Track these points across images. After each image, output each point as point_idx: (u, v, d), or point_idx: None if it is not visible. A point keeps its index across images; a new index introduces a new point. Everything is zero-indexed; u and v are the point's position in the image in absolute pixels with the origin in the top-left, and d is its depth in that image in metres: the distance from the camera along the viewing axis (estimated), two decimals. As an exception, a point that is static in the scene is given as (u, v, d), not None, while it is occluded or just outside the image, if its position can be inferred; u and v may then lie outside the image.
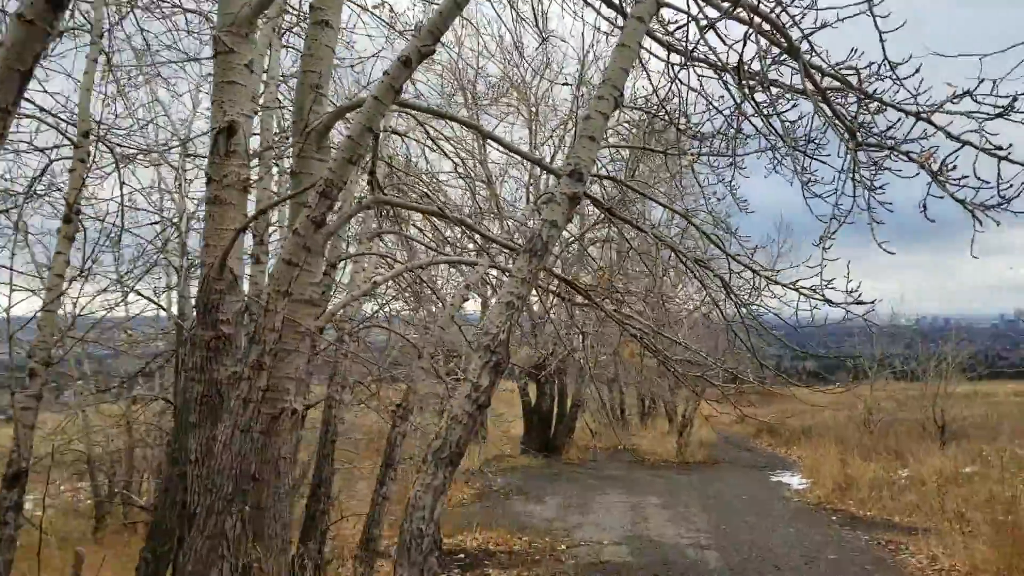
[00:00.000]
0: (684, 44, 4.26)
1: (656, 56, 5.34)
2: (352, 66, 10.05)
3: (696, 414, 22.68)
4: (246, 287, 6.34)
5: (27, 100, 7.38)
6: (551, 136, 17.30)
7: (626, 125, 9.28)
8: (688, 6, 4.48)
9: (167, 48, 9.15)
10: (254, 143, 8.36)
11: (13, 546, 6.00)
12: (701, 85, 5.43)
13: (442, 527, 11.30)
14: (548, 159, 16.95)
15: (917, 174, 4.71)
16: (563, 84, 6.18)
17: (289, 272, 4.14)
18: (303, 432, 7.68)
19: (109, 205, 11.99)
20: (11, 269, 6.49)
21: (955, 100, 4.33)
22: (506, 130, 19.17)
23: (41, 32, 2.40)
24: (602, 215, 6.76)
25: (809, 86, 3.87)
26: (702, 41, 4.06)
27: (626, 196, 12.60)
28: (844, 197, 4.72)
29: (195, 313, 5.03)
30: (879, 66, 4.40)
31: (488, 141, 9.36)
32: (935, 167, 3.91)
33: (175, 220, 9.03)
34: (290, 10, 8.41)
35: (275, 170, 8.52)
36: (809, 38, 3.85)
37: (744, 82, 3.96)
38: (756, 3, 4.12)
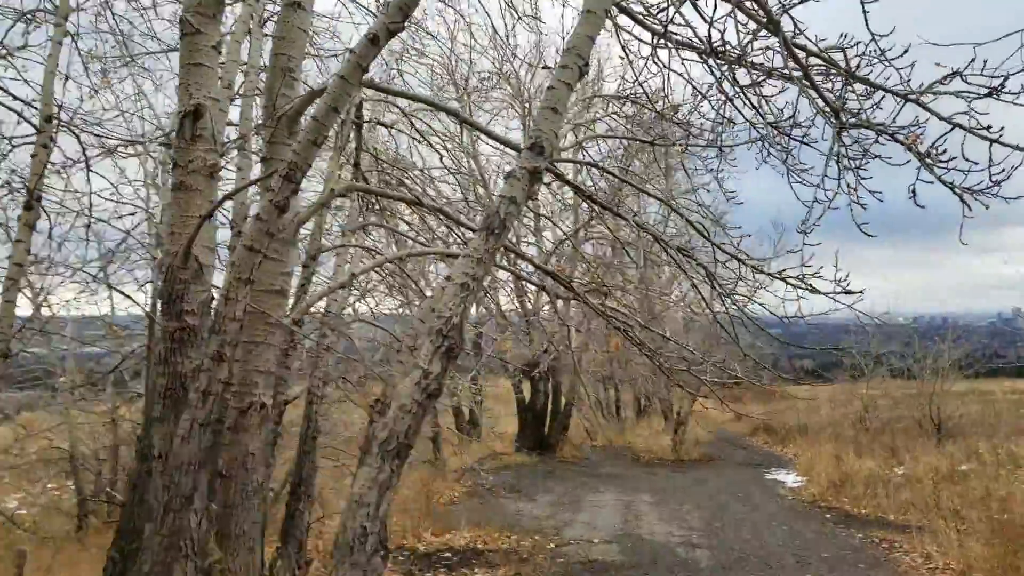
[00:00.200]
0: (664, 25, 4.09)
1: (642, 40, 5.17)
2: (337, 56, 9.90)
3: (692, 412, 22.55)
4: (220, 279, 6.19)
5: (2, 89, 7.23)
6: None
7: (615, 116, 9.11)
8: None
9: (151, 39, 9.02)
10: (233, 132, 8.24)
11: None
12: (687, 71, 5.29)
13: (430, 526, 11.15)
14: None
15: (907, 161, 4.56)
16: (543, 67, 6.00)
17: (251, 259, 3.97)
18: (279, 429, 7.52)
19: (93, 198, 11.85)
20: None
21: (945, 81, 4.18)
22: (500, 125, 19.03)
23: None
24: (595, 211, 6.60)
25: (792, 65, 3.70)
26: (684, 23, 3.88)
27: (620, 191, 12.47)
28: (831, 183, 4.59)
29: (159, 304, 4.86)
30: (866, 46, 4.25)
31: (470, 129, 9.18)
32: (922, 149, 3.74)
33: (152, 211, 8.86)
34: (269, -5, 8.24)
35: (255, 159, 8.35)
36: (791, 14, 3.68)
37: (720, 60, 3.80)
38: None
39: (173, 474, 3.95)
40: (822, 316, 4.95)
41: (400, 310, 11.02)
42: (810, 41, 4.22)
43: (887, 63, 4.23)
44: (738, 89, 4.29)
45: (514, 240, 19.27)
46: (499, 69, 17.14)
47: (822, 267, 4.95)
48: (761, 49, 4.77)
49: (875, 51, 4.25)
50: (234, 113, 7.90)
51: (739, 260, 5.14)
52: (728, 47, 3.92)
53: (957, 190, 3.91)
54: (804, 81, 3.85)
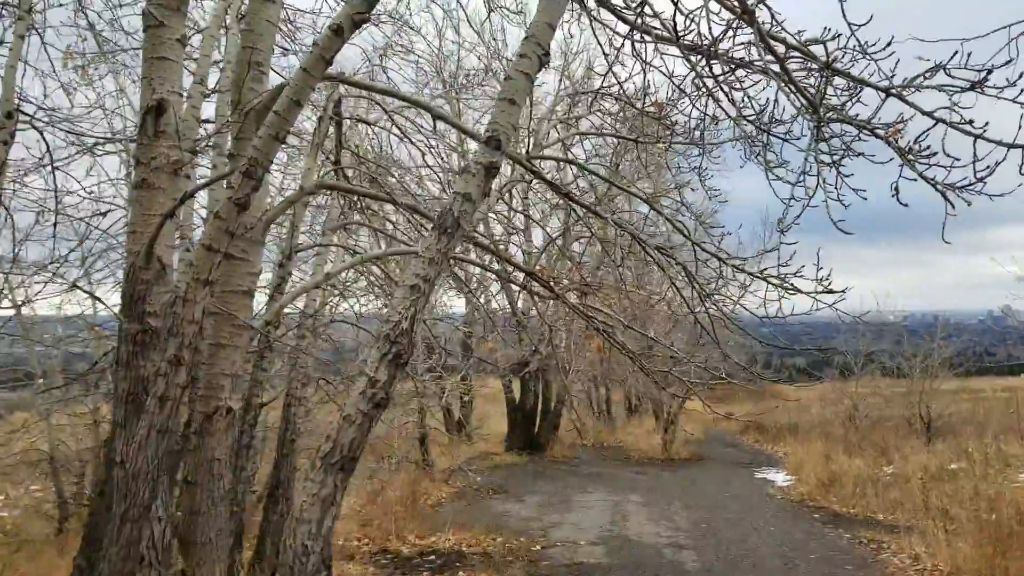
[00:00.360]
0: (636, 14, 3.96)
1: (616, 32, 5.04)
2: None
3: (682, 411, 22.46)
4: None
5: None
6: (534, 129, 16.98)
7: (599, 113, 8.98)
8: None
9: (131, 35, 8.86)
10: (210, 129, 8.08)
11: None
12: (667, 66, 5.16)
13: (415, 528, 11.01)
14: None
15: (891, 159, 4.44)
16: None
17: (210, 258, 3.82)
18: (256, 432, 7.38)
19: (72, 196, 11.70)
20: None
21: (928, 75, 4.06)
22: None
23: None
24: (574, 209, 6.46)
25: (768, 58, 3.58)
26: (654, 14, 3.75)
27: (609, 190, 12.34)
28: (813, 180, 4.47)
29: (121, 305, 4.71)
30: (847, 40, 4.13)
31: (451, 126, 9.01)
32: (904, 144, 3.62)
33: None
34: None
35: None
36: (767, 4, 3.56)
37: (695, 53, 3.67)
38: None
39: (129, 483, 3.80)
40: (805, 315, 4.83)
41: (384, 311, 10.89)
42: (789, 34, 4.10)
43: (869, 57, 4.12)
44: (717, 83, 4.17)
45: (503, 240, 19.15)
46: (487, 65, 17.02)
47: (803, 266, 4.85)
48: (742, 44, 4.66)
49: (857, 46, 4.14)
50: (210, 110, 7.77)
51: (720, 259, 5.02)
52: (703, 39, 3.80)
53: (939, 187, 3.79)
54: (781, 75, 3.73)
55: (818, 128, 3.71)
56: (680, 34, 3.58)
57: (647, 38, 4.43)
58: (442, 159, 14.71)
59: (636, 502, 14.27)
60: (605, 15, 4.87)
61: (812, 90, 4.22)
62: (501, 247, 18.11)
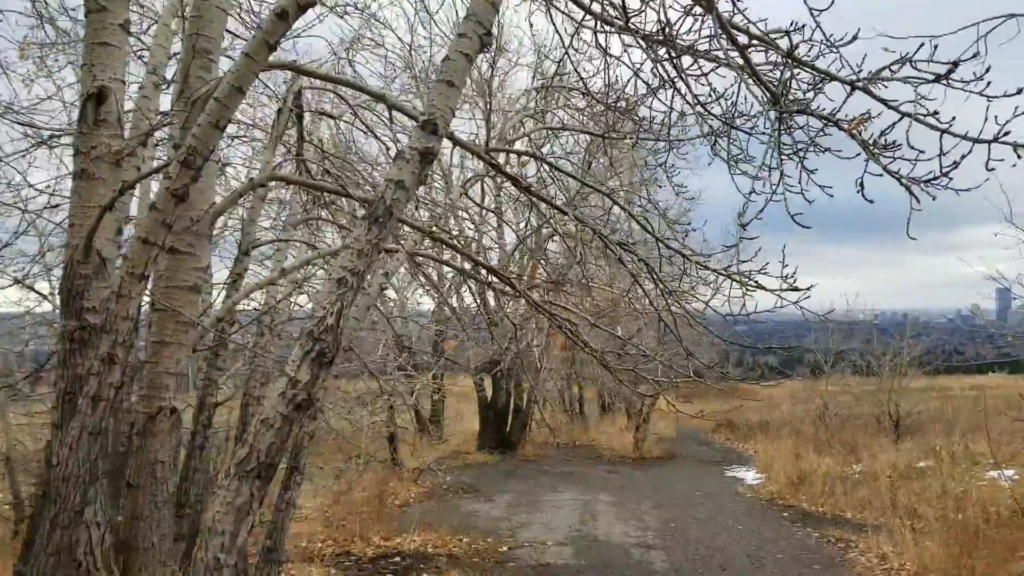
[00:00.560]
0: (592, 1, 3.83)
1: (570, 16, 4.90)
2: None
3: (654, 409, 22.42)
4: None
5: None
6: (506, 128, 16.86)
7: (566, 109, 8.85)
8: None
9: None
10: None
11: None
12: (640, 67, 5.03)
13: (380, 529, 10.82)
14: (502, 158, 16.49)
15: (857, 154, 4.35)
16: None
17: (146, 252, 3.64)
18: (209, 432, 7.16)
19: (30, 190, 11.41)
20: None
21: (894, 68, 3.96)
22: (464, 122, 18.73)
23: None
24: (532, 202, 6.32)
25: (729, 47, 3.46)
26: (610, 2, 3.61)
27: (581, 188, 12.20)
28: (782, 177, 4.37)
29: (58, 301, 4.51)
30: (812, 32, 4.03)
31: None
32: (867, 136, 3.51)
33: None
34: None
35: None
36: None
37: (652, 42, 3.54)
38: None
39: (60, 487, 3.61)
40: (769, 312, 4.73)
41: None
42: (752, 23, 3.98)
43: (835, 49, 4.02)
44: (679, 73, 4.04)
45: (475, 239, 18.99)
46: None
47: (768, 263, 4.75)
48: (706, 38, 4.55)
49: (823, 39, 4.03)
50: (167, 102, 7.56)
51: (684, 256, 4.90)
52: (662, 25, 3.67)
53: (904, 181, 3.69)
54: (744, 66, 3.61)
55: (780, 120, 3.60)
56: (629, 16, 3.44)
57: (608, 28, 4.29)
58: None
59: (606, 501, 14.18)
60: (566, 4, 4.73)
61: (776, 84, 4.11)
62: (473, 246, 17.96)
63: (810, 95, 4.20)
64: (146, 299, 5.65)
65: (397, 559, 9.71)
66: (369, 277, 10.20)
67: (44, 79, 9.61)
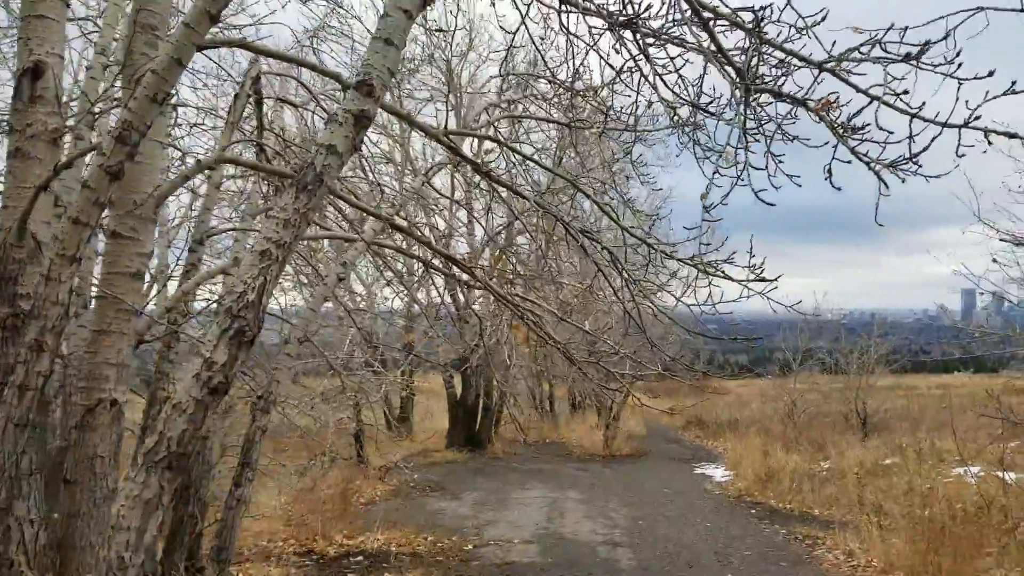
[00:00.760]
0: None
1: (545, 3, 4.74)
2: (241, 28, 9.29)
3: (625, 406, 22.36)
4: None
5: None
6: (470, 117, 16.69)
7: (532, 98, 8.69)
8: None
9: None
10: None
11: None
12: (608, 54, 4.90)
13: (344, 527, 10.60)
14: (470, 152, 16.32)
15: (825, 143, 4.23)
16: (437, 31, 5.46)
17: (77, 233, 3.42)
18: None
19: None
20: None
21: (863, 50, 3.85)
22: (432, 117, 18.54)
23: None
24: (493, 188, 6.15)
25: (694, 21, 3.32)
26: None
27: (553, 182, 12.05)
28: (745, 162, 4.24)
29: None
30: (782, 10, 3.90)
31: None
32: (836, 117, 3.39)
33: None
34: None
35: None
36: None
37: (618, 26, 3.40)
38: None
39: (-18, 483, 3.39)
40: (734, 303, 4.61)
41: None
42: (721, 2, 3.84)
43: (806, 29, 3.90)
44: (642, 52, 3.90)
45: (446, 233, 18.79)
46: (430, 54, 16.65)
47: (735, 252, 4.62)
48: (673, 22, 4.41)
49: (793, 24, 3.91)
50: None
51: (649, 245, 4.76)
52: (625, 3, 3.52)
53: (874, 166, 3.58)
54: (708, 44, 3.47)
55: (746, 99, 3.47)
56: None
57: (570, 7, 4.14)
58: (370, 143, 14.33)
59: (575, 499, 14.06)
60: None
61: (742, 65, 3.98)
62: (444, 240, 17.75)
63: (780, 80, 4.07)
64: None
65: (360, 558, 9.50)
66: (329, 267, 9.98)
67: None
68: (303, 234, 2.16)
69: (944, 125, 3.64)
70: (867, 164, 3.57)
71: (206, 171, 7.20)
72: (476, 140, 12.24)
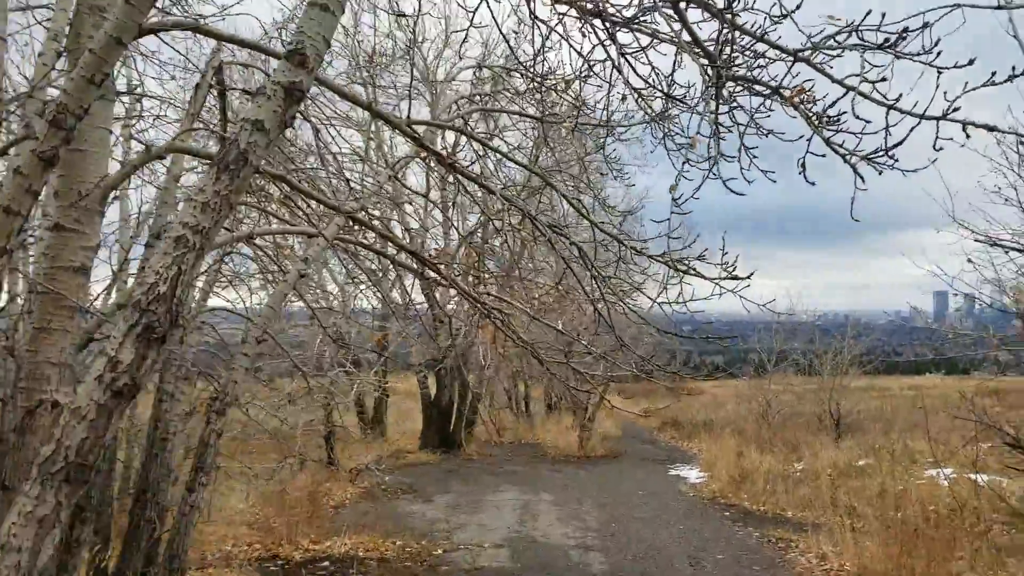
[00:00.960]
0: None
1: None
2: (206, 17, 9.02)
3: (600, 407, 22.23)
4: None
5: None
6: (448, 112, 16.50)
7: (506, 93, 8.53)
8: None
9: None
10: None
11: None
12: (582, 47, 4.73)
13: (311, 532, 10.36)
14: (440, 148, 16.11)
15: (800, 136, 4.10)
16: (398, 15, 5.30)
17: (9, 223, 3.19)
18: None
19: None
20: None
21: (839, 39, 3.72)
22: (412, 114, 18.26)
23: None
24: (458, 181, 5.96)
25: (664, 5, 3.16)
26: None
27: (530, 181, 11.87)
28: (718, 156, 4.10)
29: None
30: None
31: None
32: (806, 104, 3.25)
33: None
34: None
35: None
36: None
37: (585, 10, 3.23)
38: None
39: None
40: (704, 300, 4.47)
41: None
42: (692, -12, 3.69)
43: (780, 17, 3.76)
44: (610, 35, 3.74)
45: (420, 233, 18.58)
46: (406, 50, 16.41)
47: (706, 249, 4.49)
48: (644, 8, 4.26)
49: (772, 8, 3.78)
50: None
51: (619, 241, 4.61)
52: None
53: (850, 158, 3.45)
54: (679, 29, 3.32)
55: (717, 84, 3.32)
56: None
57: (538, -9, 3.97)
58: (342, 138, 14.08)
59: (548, 501, 13.90)
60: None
61: (716, 56, 3.83)
62: (419, 240, 17.53)
63: (755, 69, 3.93)
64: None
65: (326, 563, 9.28)
66: (291, 264, 9.72)
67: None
68: (224, 220, 1.97)
69: (922, 117, 3.51)
70: (843, 157, 3.43)
71: (165, 164, 6.97)
72: (451, 137, 12.05)
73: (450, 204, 15.72)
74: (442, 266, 5.28)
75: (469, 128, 8.02)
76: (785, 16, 3.85)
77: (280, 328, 9.33)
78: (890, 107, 3.63)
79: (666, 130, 4.15)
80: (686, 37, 3.73)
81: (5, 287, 4.61)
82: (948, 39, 3.58)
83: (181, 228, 1.85)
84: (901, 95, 3.72)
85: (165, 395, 7.19)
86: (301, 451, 13.68)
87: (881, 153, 3.33)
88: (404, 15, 4.86)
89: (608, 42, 3.71)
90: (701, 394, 39.10)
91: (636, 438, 26.72)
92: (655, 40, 4.26)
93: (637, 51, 4.00)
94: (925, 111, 3.54)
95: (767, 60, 3.99)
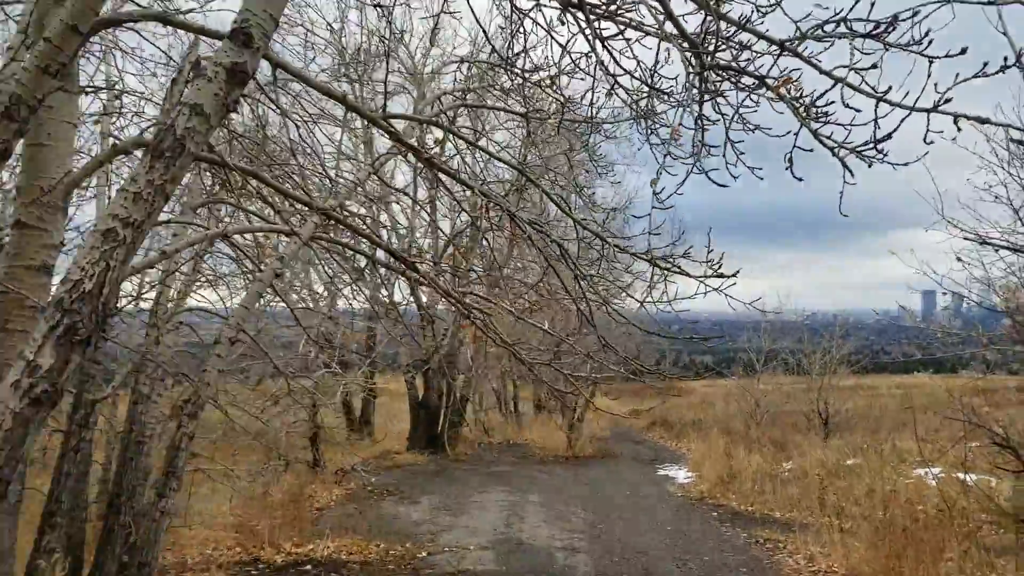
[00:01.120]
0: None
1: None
2: (185, 13, 8.85)
3: (588, 407, 22.13)
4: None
5: None
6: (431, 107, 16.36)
7: (492, 90, 8.38)
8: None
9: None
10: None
11: None
12: (569, 43, 4.61)
13: (294, 534, 10.20)
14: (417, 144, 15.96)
15: (788, 132, 3.99)
16: (375, 5, 5.15)
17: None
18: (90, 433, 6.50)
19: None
20: None
21: (827, 28, 3.61)
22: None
23: None
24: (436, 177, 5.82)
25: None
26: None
27: (517, 180, 11.75)
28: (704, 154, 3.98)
29: None
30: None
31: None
32: (793, 94, 3.13)
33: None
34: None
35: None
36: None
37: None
38: None
39: None
40: (691, 299, 4.36)
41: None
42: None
43: (772, 3, 3.65)
44: (589, 23, 3.61)
45: (407, 234, 18.44)
46: (394, 48, 16.27)
47: (691, 246, 4.37)
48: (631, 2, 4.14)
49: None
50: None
51: (602, 239, 4.48)
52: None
53: (838, 151, 3.33)
54: (662, 19, 3.20)
55: (701, 72, 3.20)
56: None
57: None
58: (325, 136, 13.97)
59: (535, 502, 13.77)
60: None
61: (703, 48, 3.72)
62: (406, 241, 17.38)
63: (741, 59, 3.81)
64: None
65: (308, 567, 9.12)
66: (267, 262, 9.54)
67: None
68: (159, 211, 1.84)
69: (912, 109, 3.41)
70: (831, 150, 3.32)
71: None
72: (432, 133, 11.91)
73: (433, 202, 15.54)
74: (422, 265, 5.14)
75: (453, 125, 7.90)
76: (773, 7, 3.75)
77: (259, 328, 9.16)
78: (879, 99, 3.52)
79: (651, 127, 4.03)
80: (670, 28, 3.61)
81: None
82: (938, 35, 3.48)
83: (110, 220, 1.71)
84: (891, 87, 3.62)
85: (140, 397, 7.03)
86: (285, 453, 13.51)
87: (870, 146, 3.21)
88: (381, 5, 4.72)
89: (590, 33, 3.59)
90: (691, 394, 39.06)
91: (625, 438, 26.65)
92: (639, 32, 4.14)
93: (616, 37, 3.87)
94: (915, 102, 3.44)
95: (754, 53, 3.88)
